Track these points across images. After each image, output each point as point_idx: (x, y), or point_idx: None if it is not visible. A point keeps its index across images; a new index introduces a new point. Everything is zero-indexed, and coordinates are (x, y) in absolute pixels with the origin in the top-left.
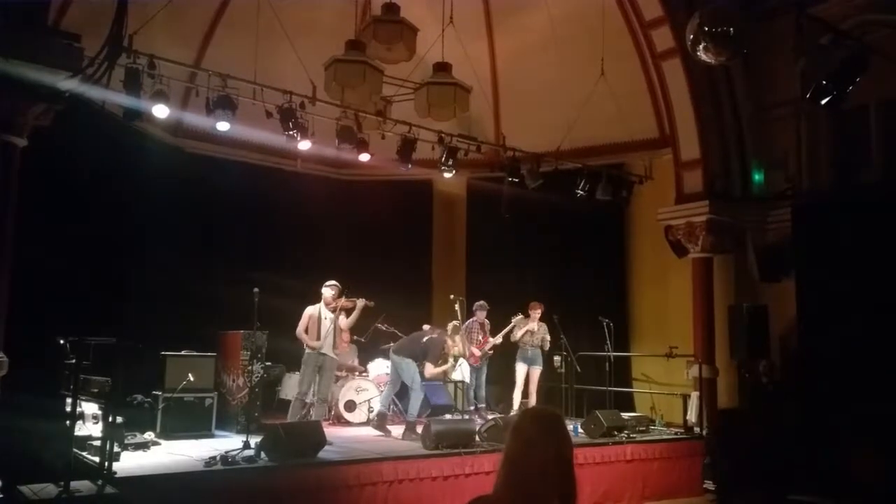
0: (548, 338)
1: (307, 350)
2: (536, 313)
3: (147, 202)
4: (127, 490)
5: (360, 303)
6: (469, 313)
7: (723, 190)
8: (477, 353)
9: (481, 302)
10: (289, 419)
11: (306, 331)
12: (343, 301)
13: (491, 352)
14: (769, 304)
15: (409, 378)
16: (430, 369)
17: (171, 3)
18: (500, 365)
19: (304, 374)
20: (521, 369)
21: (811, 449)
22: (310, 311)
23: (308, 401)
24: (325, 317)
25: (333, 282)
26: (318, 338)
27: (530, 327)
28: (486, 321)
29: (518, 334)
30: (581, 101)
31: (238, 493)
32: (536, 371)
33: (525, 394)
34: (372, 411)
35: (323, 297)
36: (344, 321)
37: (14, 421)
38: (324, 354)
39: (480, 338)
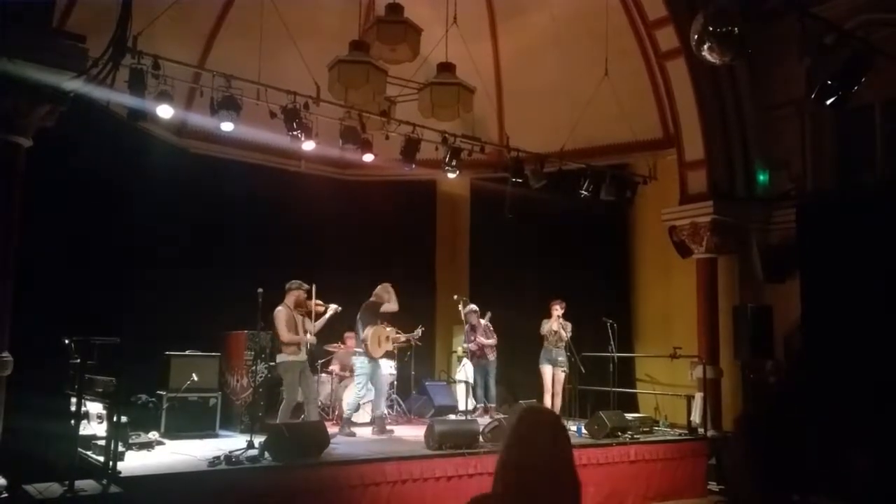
0: (564, 335)
1: (288, 359)
2: (558, 311)
3: (151, 202)
4: (131, 489)
5: (332, 308)
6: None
7: (727, 190)
8: (482, 343)
9: (472, 306)
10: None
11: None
12: (314, 304)
13: (493, 341)
14: (773, 305)
15: (375, 377)
16: (369, 335)
17: (175, 3)
18: (500, 366)
19: (290, 384)
20: (546, 371)
21: (816, 449)
22: (285, 313)
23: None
24: (297, 321)
25: (304, 284)
26: (300, 346)
27: (553, 326)
28: (483, 322)
29: (544, 329)
30: (585, 101)
31: (242, 493)
32: (561, 373)
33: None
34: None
35: (295, 298)
36: (310, 325)
37: (19, 420)
38: (303, 360)
39: (472, 338)
